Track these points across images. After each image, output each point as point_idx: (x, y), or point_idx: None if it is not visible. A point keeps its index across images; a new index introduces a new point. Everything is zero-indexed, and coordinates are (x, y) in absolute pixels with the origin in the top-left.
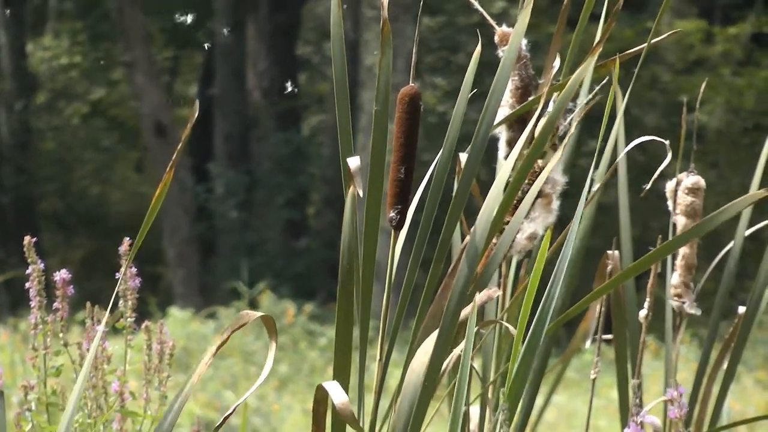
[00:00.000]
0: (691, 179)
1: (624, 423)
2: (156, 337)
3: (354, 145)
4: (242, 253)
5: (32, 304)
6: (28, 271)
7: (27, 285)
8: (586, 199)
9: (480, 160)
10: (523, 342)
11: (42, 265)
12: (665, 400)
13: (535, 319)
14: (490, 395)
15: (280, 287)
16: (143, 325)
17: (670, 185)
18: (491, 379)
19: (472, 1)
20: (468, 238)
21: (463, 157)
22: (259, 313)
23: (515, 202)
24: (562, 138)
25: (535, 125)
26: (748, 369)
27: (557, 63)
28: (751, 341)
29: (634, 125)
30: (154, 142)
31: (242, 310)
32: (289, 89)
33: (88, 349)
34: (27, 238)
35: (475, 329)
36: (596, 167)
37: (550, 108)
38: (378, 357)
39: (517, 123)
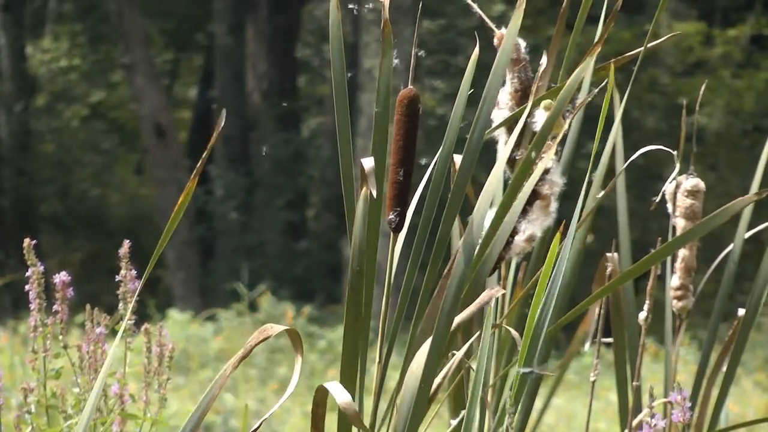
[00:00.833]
0: (690, 181)
1: (624, 426)
2: (155, 339)
3: (353, 147)
4: (242, 255)
5: (32, 306)
6: (27, 274)
7: (27, 287)
8: (590, 203)
9: (475, 162)
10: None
11: (42, 268)
12: (666, 401)
13: (534, 323)
14: (489, 398)
15: (280, 289)
16: (143, 328)
17: (669, 187)
18: (491, 382)
19: (471, 4)
20: (461, 239)
21: (458, 158)
22: (283, 327)
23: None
24: (561, 141)
25: (524, 126)
26: (748, 371)
27: (544, 60)
28: (750, 343)
29: (633, 128)
30: (153, 145)
31: (242, 313)
32: (284, 104)
33: (87, 352)
34: (27, 241)
35: (477, 334)
36: (594, 169)
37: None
38: (377, 359)
39: (515, 125)
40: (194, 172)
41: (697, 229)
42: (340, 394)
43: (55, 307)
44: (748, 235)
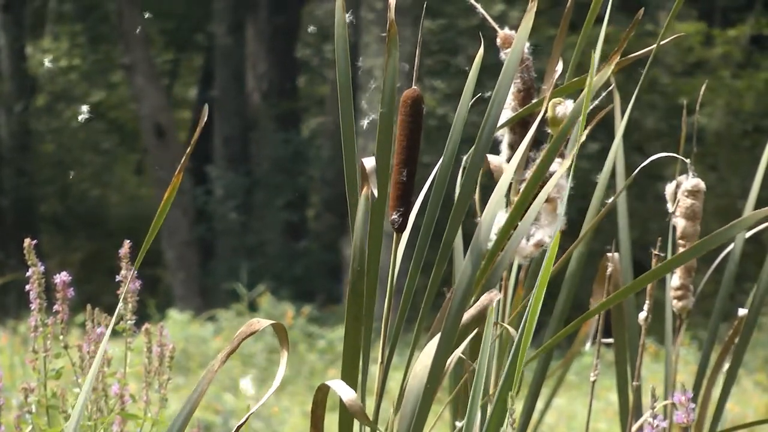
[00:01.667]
0: (691, 181)
1: (624, 426)
2: (156, 339)
3: (355, 147)
4: (241, 255)
5: (32, 306)
6: (28, 274)
7: (27, 287)
8: (594, 206)
9: (483, 164)
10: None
11: (42, 268)
12: (667, 403)
13: (525, 326)
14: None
15: (280, 289)
16: (143, 328)
17: (669, 187)
18: (492, 382)
19: (473, 4)
20: (470, 245)
21: (491, 158)
22: (269, 321)
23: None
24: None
25: (537, 129)
26: (748, 371)
27: (560, 67)
28: (751, 343)
29: (634, 128)
30: (153, 145)
31: (241, 313)
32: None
33: (88, 352)
34: (27, 241)
35: (473, 332)
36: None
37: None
38: (379, 360)
39: (519, 126)
40: (179, 167)
41: (707, 243)
42: (344, 392)
43: (55, 307)
44: (748, 235)
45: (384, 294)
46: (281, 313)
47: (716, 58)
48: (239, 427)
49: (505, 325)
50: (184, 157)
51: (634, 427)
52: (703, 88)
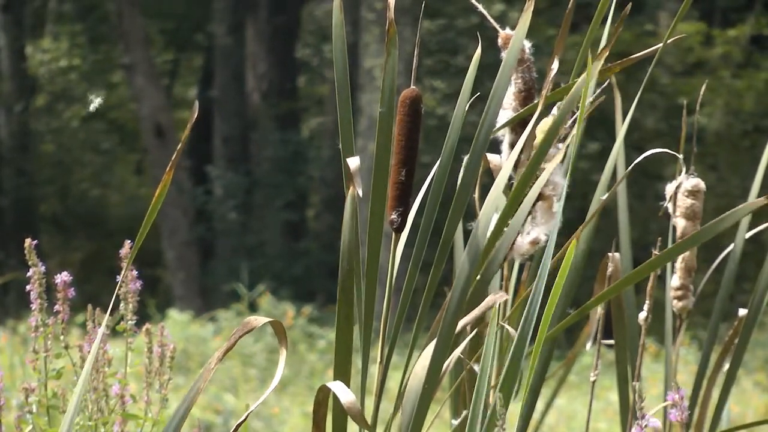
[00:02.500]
0: (691, 182)
1: (624, 425)
2: (156, 339)
3: (353, 147)
4: (241, 255)
5: (33, 306)
6: (29, 274)
7: (28, 287)
8: (594, 205)
9: (480, 163)
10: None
11: (43, 268)
12: (666, 404)
13: (520, 325)
14: (491, 399)
15: (280, 289)
16: (144, 328)
17: (669, 187)
18: (493, 382)
19: (475, 4)
20: (468, 243)
21: (491, 157)
22: (266, 319)
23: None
24: (563, 141)
25: (534, 128)
26: (748, 371)
27: (555, 65)
28: (750, 343)
29: (634, 128)
30: (153, 145)
31: (241, 313)
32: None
33: (89, 352)
34: (27, 241)
35: (474, 332)
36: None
37: (554, 112)
38: (378, 359)
39: (519, 126)
40: (170, 163)
41: (698, 236)
42: (343, 394)
43: (56, 307)
44: (748, 235)
45: (383, 294)
46: (281, 313)
47: (716, 58)
48: (239, 425)
49: (506, 326)
50: (175, 154)
51: (645, 421)
52: (703, 88)
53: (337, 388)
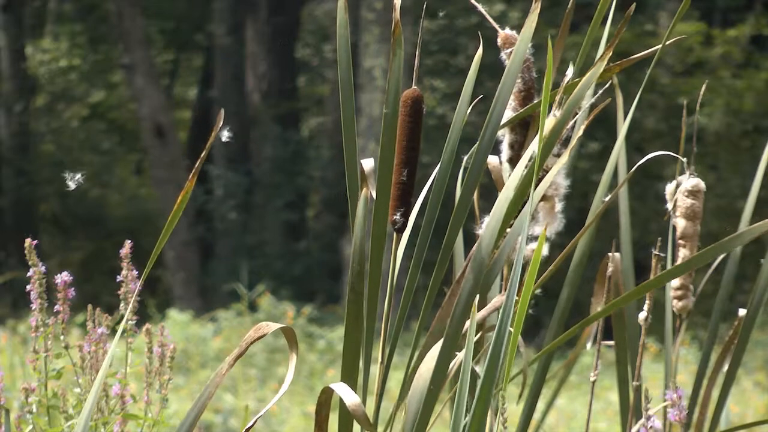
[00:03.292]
0: (691, 182)
1: (624, 425)
2: (157, 339)
3: (356, 146)
4: (241, 255)
5: (33, 306)
6: (29, 274)
7: (28, 287)
8: (596, 206)
9: (484, 165)
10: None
11: (43, 268)
12: (666, 404)
13: (496, 327)
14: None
15: (280, 289)
16: (144, 328)
17: (669, 188)
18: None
19: (475, 4)
20: (476, 244)
21: (492, 158)
22: (278, 325)
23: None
24: (566, 142)
25: (528, 126)
26: (747, 371)
27: (570, 71)
28: (750, 343)
29: (634, 128)
30: (153, 145)
31: (241, 313)
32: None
33: (89, 352)
34: (28, 241)
35: (478, 335)
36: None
37: (556, 112)
38: (380, 359)
39: (519, 126)
40: (193, 171)
41: (712, 251)
42: (347, 396)
43: (56, 307)
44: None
45: (384, 294)
46: (281, 313)
47: (716, 58)
48: (247, 430)
49: (506, 326)
50: (198, 162)
51: (634, 428)
52: (703, 88)
53: (341, 389)
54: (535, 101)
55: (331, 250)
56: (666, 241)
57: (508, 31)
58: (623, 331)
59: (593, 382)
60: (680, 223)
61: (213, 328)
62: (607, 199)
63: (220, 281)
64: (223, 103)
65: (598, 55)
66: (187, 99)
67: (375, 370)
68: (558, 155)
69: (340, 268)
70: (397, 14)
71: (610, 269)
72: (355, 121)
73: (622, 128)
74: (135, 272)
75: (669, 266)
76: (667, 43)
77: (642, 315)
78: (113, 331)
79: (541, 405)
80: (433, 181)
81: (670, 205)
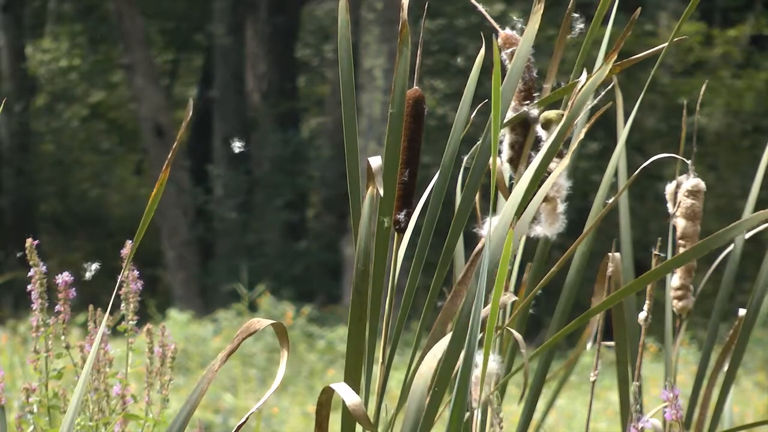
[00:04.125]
0: (691, 181)
1: (624, 425)
2: (158, 339)
3: (356, 146)
4: (241, 255)
5: (34, 306)
6: (30, 274)
7: (29, 288)
8: (597, 207)
9: (486, 168)
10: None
11: (44, 268)
12: (665, 405)
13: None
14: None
15: (280, 289)
16: (145, 328)
17: (669, 188)
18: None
19: (475, 4)
20: (481, 244)
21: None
22: (269, 321)
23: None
24: (567, 143)
25: (528, 126)
26: (747, 371)
27: (584, 77)
28: (750, 343)
29: (633, 128)
30: (153, 145)
31: (241, 313)
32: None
33: (89, 352)
34: (29, 241)
35: (480, 335)
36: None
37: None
38: (381, 360)
39: (520, 126)
40: (166, 163)
41: (707, 243)
42: (348, 396)
43: (57, 307)
44: (748, 235)
45: (385, 294)
46: (281, 313)
47: (716, 58)
48: (239, 427)
49: (506, 326)
50: (171, 153)
51: (641, 423)
52: (703, 88)
53: (342, 389)
54: (536, 101)
55: (330, 250)
56: (666, 241)
57: (508, 31)
58: (623, 331)
59: (593, 382)
60: (680, 223)
61: (213, 328)
62: (610, 201)
63: (220, 281)
64: (223, 103)
65: (599, 56)
66: (187, 99)
67: (376, 370)
68: (560, 157)
69: (339, 268)
70: (404, 14)
71: (610, 269)
72: (356, 121)
73: (624, 129)
74: (136, 272)
75: None
76: (676, 41)
77: (642, 315)
78: (114, 332)
79: (541, 405)
80: (434, 181)
81: (672, 208)
